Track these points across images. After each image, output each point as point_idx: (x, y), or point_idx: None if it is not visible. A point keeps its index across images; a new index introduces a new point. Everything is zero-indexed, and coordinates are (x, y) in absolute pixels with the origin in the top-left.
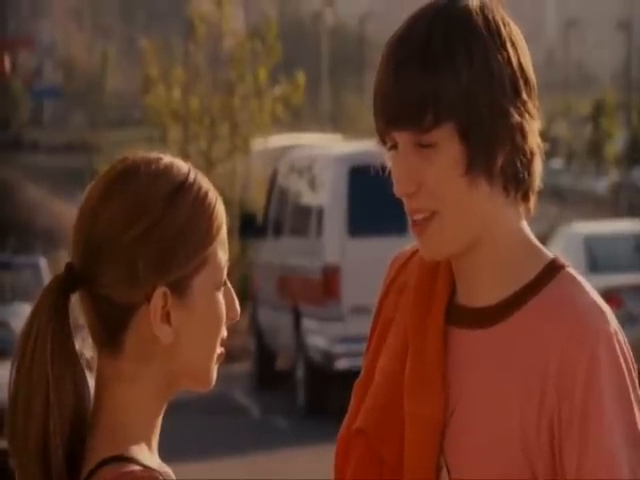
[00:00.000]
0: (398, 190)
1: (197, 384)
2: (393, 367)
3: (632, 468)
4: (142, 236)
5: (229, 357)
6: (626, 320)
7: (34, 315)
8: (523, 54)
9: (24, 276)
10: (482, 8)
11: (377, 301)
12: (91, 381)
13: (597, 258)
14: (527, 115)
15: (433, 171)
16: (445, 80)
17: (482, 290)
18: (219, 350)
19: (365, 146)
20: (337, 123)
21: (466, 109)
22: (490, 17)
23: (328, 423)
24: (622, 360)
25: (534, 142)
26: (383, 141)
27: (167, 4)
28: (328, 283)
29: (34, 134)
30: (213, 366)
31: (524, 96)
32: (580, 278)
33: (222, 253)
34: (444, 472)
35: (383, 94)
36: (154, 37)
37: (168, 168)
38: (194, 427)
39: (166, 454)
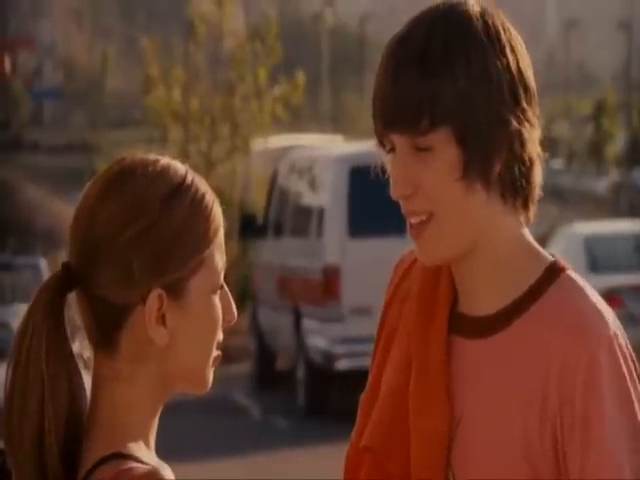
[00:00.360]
0: (394, 192)
1: (193, 387)
2: (398, 381)
3: (634, 470)
4: (138, 237)
5: (229, 357)
6: (627, 320)
7: (30, 314)
8: (523, 61)
9: (24, 277)
10: (482, 13)
11: (381, 311)
12: (88, 379)
13: (597, 258)
14: (526, 123)
15: (429, 174)
16: (443, 84)
17: (482, 298)
18: (215, 353)
19: (365, 147)
20: (337, 123)
21: (463, 114)
22: (490, 22)
23: (328, 423)
24: (623, 363)
25: (533, 150)
26: (382, 143)
27: (167, 4)
28: (328, 284)
29: (34, 134)
30: (209, 369)
31: (523, 103)
32: (580, 281)
33: (219, 256)
34: None
35: (381, 97)
36: (154, 37)
37: (165, 170)
38: (194, 427)
39: (166, 454)
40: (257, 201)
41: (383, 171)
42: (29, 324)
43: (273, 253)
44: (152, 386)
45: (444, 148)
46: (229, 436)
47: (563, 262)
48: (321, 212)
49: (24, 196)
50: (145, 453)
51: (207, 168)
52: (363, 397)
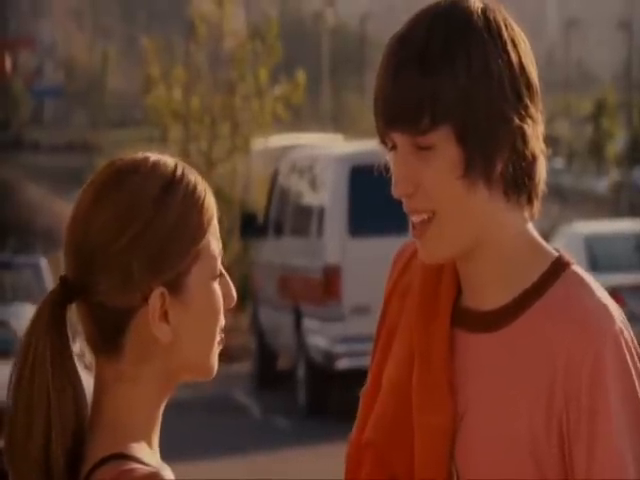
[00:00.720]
0: (396, 191)
1: (198, 375)
2: (400, 376)
3: (637, 468)
4: (134, 240)
5: (230, 357)
6: (628, 320)
7: (32, 329)
8: (526, 57)
9: (24, 276)
10: (484, 10)
11: (382, 305)
12: (89, 379)
13: (598, 257)
14: (529, 119)
15: (430, 173)
16: (443, 82)
17: (488, 293)
18: (218, 338)
19: (366, 146)
20: (338, 123)
21: (463, 112)
22: (492, 18)
23: (329, 423)
24: (629, 358)
25: (536, 147)
26: (384, 142)
27: (168, 4)
28: (329, 283)
29: (35, 134)
30: (214, 355)
31: (526, 100)
32: (585, 276)
33: (215, 243)
34: (455, 479)
35: (382, 95)
36: (155, 37)
37: (155, 167)
38: (194, 427)
39: (166, 453)
40: (258, 200)
41: (385, 170)
42: (32, 339)
43: (274, 252)
44: (156, 384)
45: (445, 146)
46: (229, 435)
47: (568, 257)
48: (322, 211)
49: (24, 195)
50: (147, 453)
51: (208, 167)
52: (364, 392)
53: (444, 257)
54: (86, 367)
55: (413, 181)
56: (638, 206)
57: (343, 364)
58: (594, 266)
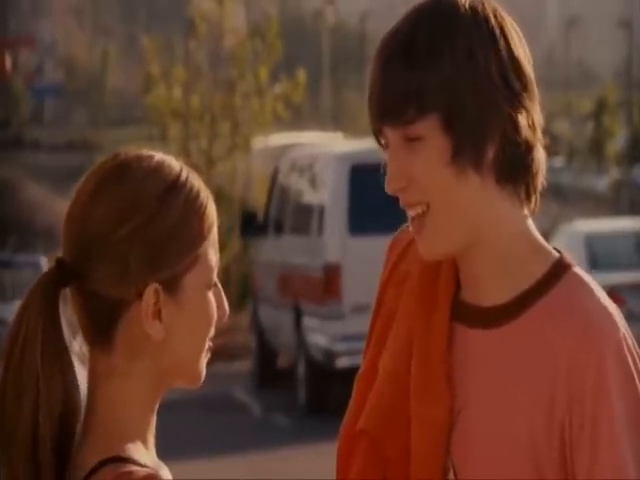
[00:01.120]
0: (388, 187)
1: (187, 381)
2: (397, 366)
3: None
4: (134, 234)
5: (230, 355)
6: (627, 318)
7: (24, 309)
8: (516, 46)
9: (25, 275)
10: (472, 2)
11: (377, 292)
12: (85, 374)
13: (598, 256)
14: (520, 107)
15: (420, 164)
16: (428, 74)
17: (487, 288)
18: (207, 345)
19: (366, 144)
20: (338, 121)
21: (449, 100)
22: (479, 9)
23: (329, 421)
24: (631, 363)
25: (529, 135)
26: (379, 141)
27: (168, 3)
28: (329, 281)
29: (35, 133)
30: (202, 363)
31: (516, 87)
32: (587, 279)
33: (213, 253)
34: (451, 473)
35: (372, 92)
36: (155, 36)
37: (160, 166)
38: (195, 425)
39: (166, 452)
40: (258, 199)
41: (385, 169)
42: (23, 320)
43: (274, 251)
44: (148, 382)
45: (433, 135)
46: (230, 434)
47: (569, 258)
48: (322, 210)
49: (25, 194)
50: (143, 453)
51: (208, 166)
52: (359, 376)
53: (442, 252)
54: (82, 362)
55: (405, 175)
56: (638, 204)
57: (343, 362)
58: (594, 265)
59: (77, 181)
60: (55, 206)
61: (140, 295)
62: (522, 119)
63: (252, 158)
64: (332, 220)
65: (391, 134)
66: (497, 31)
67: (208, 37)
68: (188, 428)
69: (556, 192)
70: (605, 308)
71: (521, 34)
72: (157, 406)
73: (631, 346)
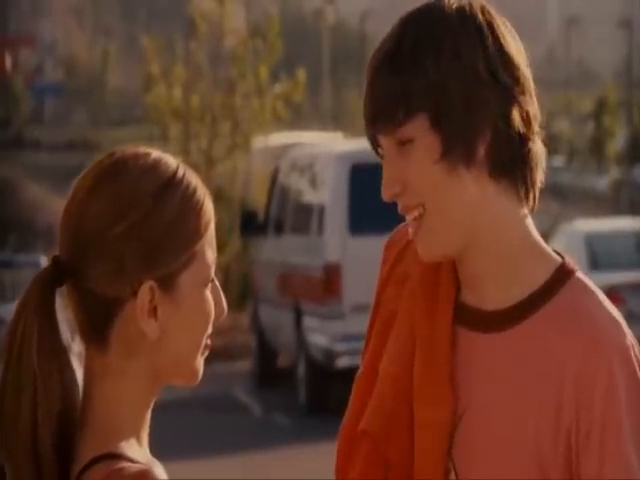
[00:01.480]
0: (384, 194)
1: (183, 379)
2: (398, 369)
3: None
4: (130, 231)
5: (230, 355)
6: (627, 318)
7: (21, 307)
8: (506, 41)
9: (25, 274)
10: (459, 3)
11: (376, 291)
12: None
13: (598, 256)
14: (512, 101)
15: (412, 165)
16: (414, 77)
17: (487, 290)
18: (205, 344)
19: (366, 144)
20: (338, 121)
21: (436, 99)
22: (466, 9)
23: (329, 421)
24: (639, 371)
25: (523, 128)
26: (376, 151)
27: (168, 2)
28: (329, 281)
29: (35, 132)
30: (199, 361)
31: (506, 81)
32: (591, 285)
33: (210, 251)
34: (452, 474)
35: (364, 99)
36: (155, 35)
37: (157, 163)
38: (195, 425)
39: (166, 452)
40: (258, 199)
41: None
42: (20, 318)
43: (274, 251)
44: (143, 380)
45: (422, 135)
46: (230, 434)
47: (572, 263)
48: (322, 210)
49: (25, 194)
50: (137, 451)
51: (208, 166)
52: (358, 377)
53: (440, 253)
54: (81, 362)
55: (399, 180)
56: (638, 204)
57: (343, 362)
58: (594, 264)
59: None
60: (55, 206)
61: (136, 293)
62: (514, 113)
63: (252, 158)
64: (332, 220)
65: (384, 141)
66: (485, 28)
67: (208, 37)
68: (188, 428)
69: (556, 192)
70: (611, 314)
71: (513, 30)
72: (152, 404)
73: (638, 353)
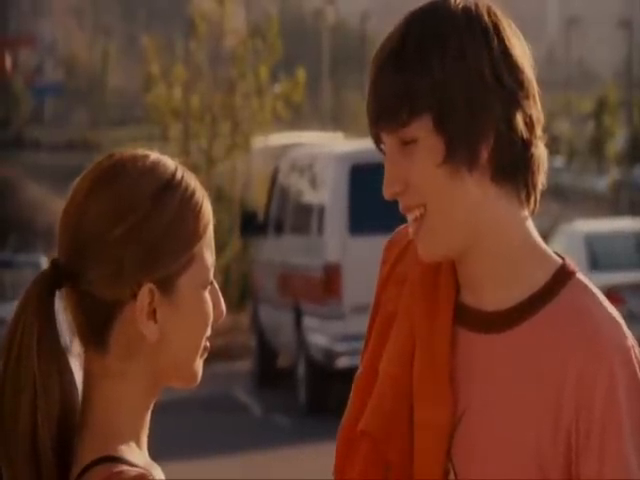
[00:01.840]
0: (386, 192)
1: (182, 381)
2: (398, 369)
3: None
4: (128, 234)
5: (230, 355)
6: (627, 318)
7: (20, 310)
8: (512, 43)
9: (25, 274)
10: (465, 2)
11: (375, 292)
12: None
13: (598, 256)
14: (515, 105)
15: (415, 166)
16: (418, 76)
17: (487, 291)
18: (203, 345)
19: (366, 144)
20: (338, 121)
21: (440, 100)
22: (472, 9)
23: (329, 421)
24: (639, 372)
25: (526, 132)
26: (379, 147)
27: (168, 2)
28: (329, 281)
29: (35, 132)
30: (198, 364)
31: (510, 84)
32: (592, 287)
33: (209, 253)
34: (452, 474)
35: (368, 97)
36: (155, 35)
37: (155, 165)
38: (195, 425)
39: (167, 452)
40: (258, 199)
41: (384, 168)
42: (19, 320)
43: (274, 251)
44: (143, 382)
45: (426, 136)
46: (230, 434)
47: (572, 264)
48: (322, 210)
49: (25, 194)
50: (136, 454)
51: (208, 166)
52: (357, 377)
53: (441, 254)
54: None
55: (401, 179)
56: (638, 204)
57: (343, 362)
58: (594, 265)
59: None
60: (55, 206)
61: (135, 295)
62: (518, 117)
63: (252, 158)
64: (332, 220)
65: (387, 139)
66: (490, 30)
67: (208, 37)
68: (188, 428)
69: (556, 192)
70: (611, 315)
71: (519, 32)
72: (152, 406)
73: (638, 354)
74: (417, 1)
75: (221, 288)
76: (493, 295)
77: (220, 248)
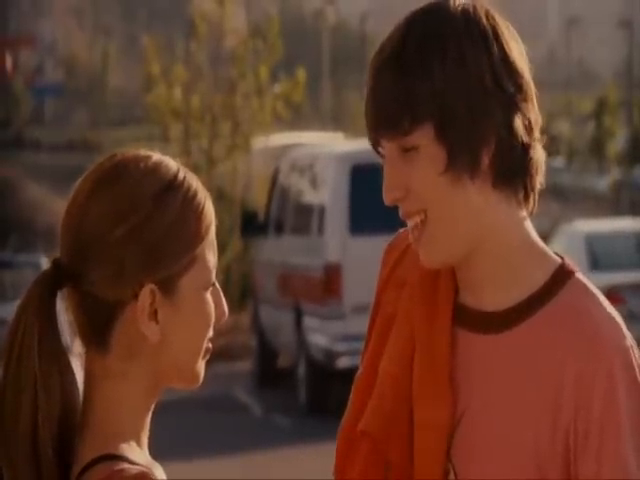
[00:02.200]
0: (386, 198)
1: (184, 382)
2: (398, 370)
3: None
4: (130, 234)
5: (230, 355)
6: (627, 318)
7: (21, 310)
8: (510, 47)
9: (25, 274)
10: (464, 6)
11: (375, 293)
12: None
13: (598, 256)
14: (515, 110)
15: (415, 173)
16: (418, 83)
17: (487, 292)
18: (206, 347)
19: (367, 145)
20: (338, 121)
21: (441, 108)
22: (471, 12)
23: (329, 421)
24: (638, 373)
25: (525, 136)
26: (377, 150)
27: (168, 2)
28: (329, 281)
29: (35, 132)
30: (200, 364)
31: (510, 89)
32: (591, 286)
33: (211, 254)
34: (451, 475)
35: (366, 101)
36: (155, 35)
37: (157, 166)
38: (195, 425)
39: (167, 452)
40: (258, 199)
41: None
42: (20, 320)
43: (274, 251)
44: (144, 383)
45: (428, 144)
46: (230, 434)
47: (572, 264)
48: (322, 210)
49: (25, 194)
50: (137, 453)
51: (208, 166)
52: (358, 378)
53: (442, 260)
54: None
55: (402, 185)
56: (638, 205)
57: (343, 362)
58: (594, 265)
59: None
60: (55, 206)
61: (136, 296)
62: (517, 121)
63: (252, 158)
64: (332, 220)
65: (387, 145)
66: (490, 33)
67: (208, 37)
68: (188, 428)
69: (556, 192)
70: (610, 316)
71: (516, 34)
72: (153, 406)
73: (637, 356)
74: (417, 1)
75: (222, 288)
76: (493, 296)
77: (221, 248)
